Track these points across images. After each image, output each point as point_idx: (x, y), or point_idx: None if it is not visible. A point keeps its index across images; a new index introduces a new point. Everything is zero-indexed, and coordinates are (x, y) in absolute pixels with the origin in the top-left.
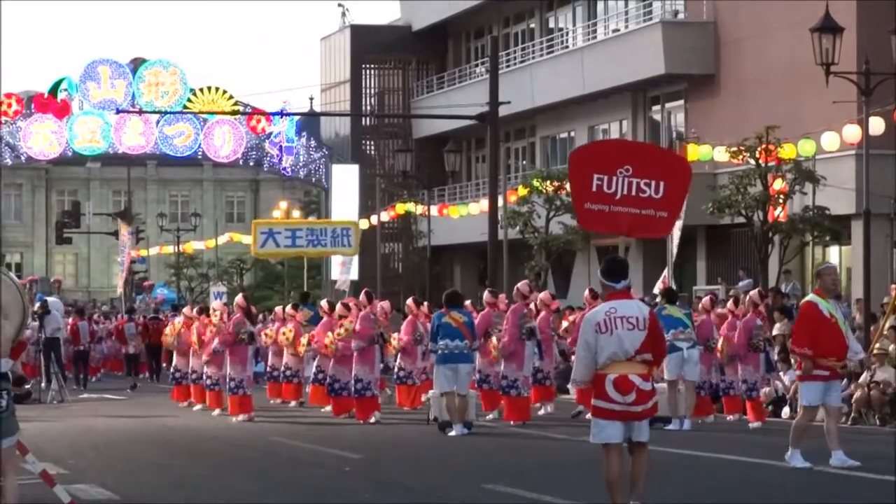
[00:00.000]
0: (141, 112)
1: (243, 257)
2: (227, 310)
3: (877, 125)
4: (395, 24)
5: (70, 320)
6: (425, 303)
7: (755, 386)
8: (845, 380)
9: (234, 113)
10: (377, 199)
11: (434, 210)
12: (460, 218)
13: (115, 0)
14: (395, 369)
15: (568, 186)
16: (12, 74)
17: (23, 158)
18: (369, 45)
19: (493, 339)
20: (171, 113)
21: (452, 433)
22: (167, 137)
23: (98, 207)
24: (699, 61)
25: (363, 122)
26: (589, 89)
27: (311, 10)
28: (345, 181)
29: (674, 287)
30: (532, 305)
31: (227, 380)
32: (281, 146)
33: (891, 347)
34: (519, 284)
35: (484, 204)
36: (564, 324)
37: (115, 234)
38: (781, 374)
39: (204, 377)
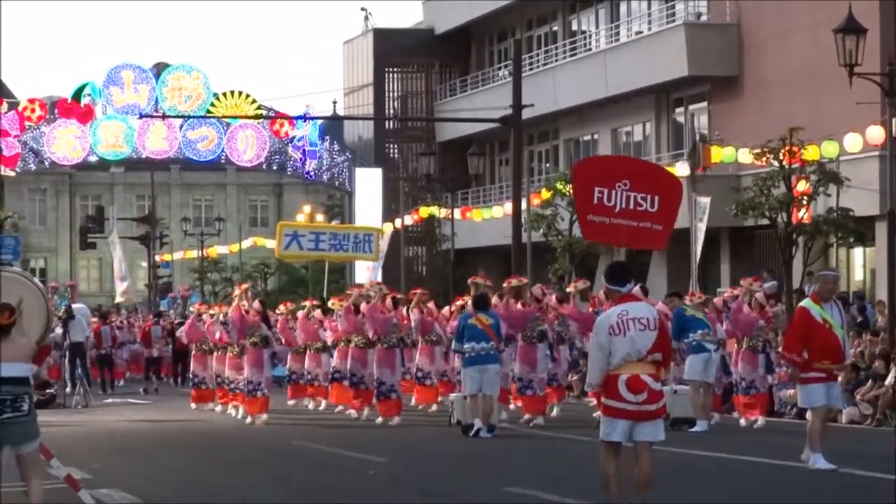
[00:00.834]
0: (164, 117)
1: (267, 261)
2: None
3: None
4: (418, 27)
5: (94, 324)
6: (446, 307)
7: (753, 384)
8: (869, 381)
9: (257, 117)
10: (401, 202)
11: (457, 213)
12: (484, 221)
13: (138, 2)
14: (414, 370)
15: None
16: (36, 80)
17: (46, 163)
18: (392, 48)
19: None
20: (194, 117)
21: (481, 434)
22: (190, 142)
23: (122, 212)
24: (722, 63)
25: (386, 126)
26: (612, 92)
27: (334, 13)
28: (368, 185)
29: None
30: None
31: (246, 382)
32: (304, 150)
33: None
34: (533, 288)
35: (507, 207)
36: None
37: (140, 238)
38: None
39: (226, 381)
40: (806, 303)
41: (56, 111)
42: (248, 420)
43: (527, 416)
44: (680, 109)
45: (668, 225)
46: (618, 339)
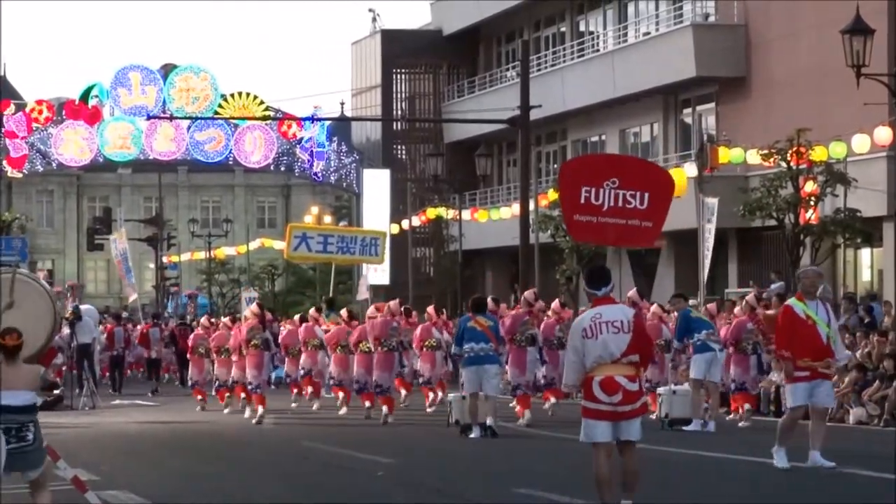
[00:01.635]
0: (172, 118)
1: (275, 262)
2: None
3: None
4: (426, 28)
5: (107, 325)
6: (444, 310)
7: (743, 386)
8: (877, 382)
9: (264, 118)
10: (408, 203)
11: (465, 214)
12: (491, 222)
13: (145, 3)
14: (417, 376)
15: None
16: (43, 81)
17: (54, 165)
18: (400, 49)
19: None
20: (201, 119)
21: (472, 435)
22: (198, 143)
23: (129, 213)
24: (730, 64)
25: (394, 127)
26: (620, 92)
27: (342, 14)
28: (376, 186)
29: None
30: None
31: (247, 382)
32: (312, 151)
33: None
34: (526, 293)
35: (515, 208)
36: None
37: (147, 240)
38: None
39: (230, 382)
40: (791, 301)
41: (63, 112)
42: (247, 414)
43: (522, 420)
44: (688, 110)
45: (657, 221)
46: (590, 342)
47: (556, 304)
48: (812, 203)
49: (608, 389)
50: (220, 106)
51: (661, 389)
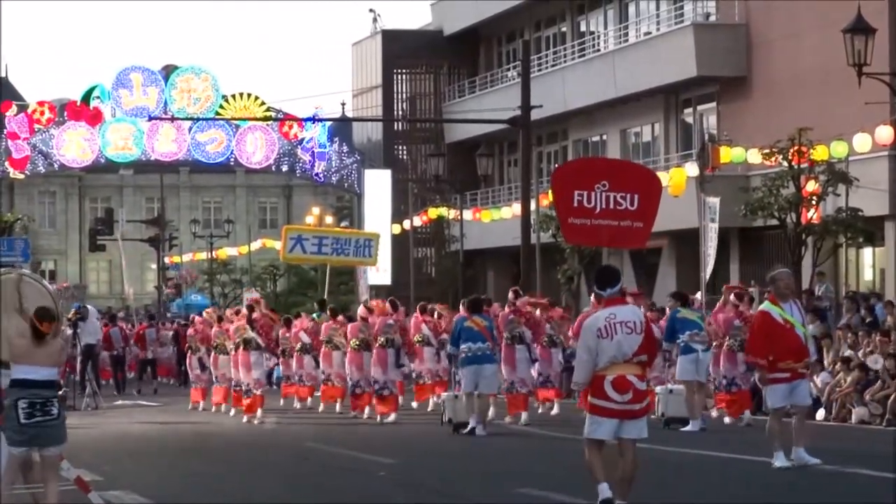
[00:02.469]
0: (173, 119)
1: (276, 263)
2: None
3: None
4: (427, 28)
5: (103, 326)
6: (436, 307)
7: (734, 381)
8: (879, 382)
9: (266, 119)
10: (410, 203)
11: (467, 214)
12: (493, 222)
13: (146, 4)
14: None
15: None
16: (44, 82)
17: (56, 166)
18: (401, 49)
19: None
20: (203, 119)
21: (466, 431)
22: (199, 144)
23: (131, 214)
24: (731, 63)
25: (395, 127)
26: (621, 92)
27: (343, 15)
28: (377, 186)
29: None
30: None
31: (241, 384)
32: (313, 152)
33: None
34: (510, 293)
35: (516, 208)
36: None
37: (149, 240)
38: (815, 376)
39: (232, 382)
40: (765, 305)
41: (65, 114)
42: (244, 419)
43: (508, 418)
44: (689, 110)
45: (648, 222)
46: (605, 342)
47: (524, 299)
48: (814, 202)
49: (620, 388)
50: (221, 107)
51: (658, 388)
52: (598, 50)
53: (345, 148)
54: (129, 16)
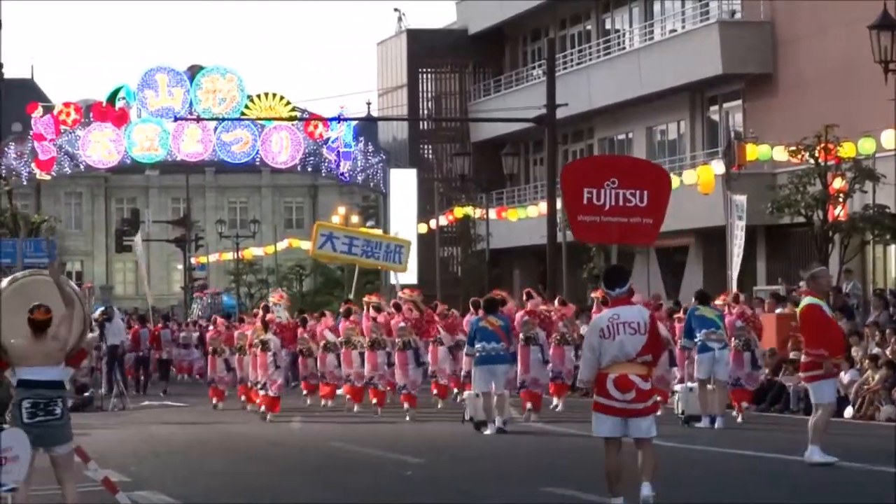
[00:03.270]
0: (199, 119)
1: (303, 263)
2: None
3: None
4: (452, 27)
5: (133, 327)
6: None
7: (739, 381)
8: None
9: (291, 119)
10: (435, 203)
11: (492, 213)
12: (519, 221)
13: (171, 4)
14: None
15: None
16: (70, 83)
17: (82, 167)
18: (426, 49)
19: None
20: (228, 120)
21: (487, 432)
22: (225, 144)
23: (157, 215)
24: (757, 61)
25: (420, 127)
26: (646, 90)
27: (368, 14)
28: (403, 186)
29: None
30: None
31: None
32: (339, 151)
33: None
34: (524, 294)
35: (542, 206)
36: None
37: (175, 241)
38: (843, 373)
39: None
40: (812, 300)
41: (91, 115)
42: (265, 416)
43: (526, 413)
44: (714, 107)
45: (657, 218)
46: (607, 342)
47: (556, 302)
48: (840, 200)
49: (622, 387)
50: (246, 107)
51: (678, 386)
52: (624, 48)
53: (370, 147)
54: (154, 16)
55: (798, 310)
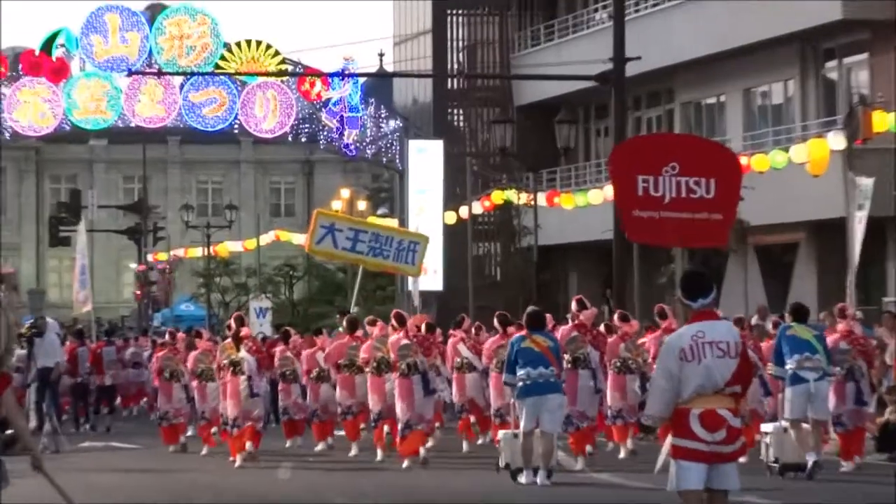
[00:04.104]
0: (160, 74)
1: (293, 262)
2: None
3: None
4: None
5: (68, 345)
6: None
7: (840, 420)
8: None
9: (280, 75)
10: (468, 185)
11: (542, 199)
12: (576, 209)
13: None
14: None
15: None
16: None
17: (6, 134)
18: None
19: None
20: (198, 74)
21: (522, 480)
22: (194, 106)
23: (104, 198)
24: (885, 4)
25: (449, 85)
26: (743, 41)
27: None
28: (425, 161)
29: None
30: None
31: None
32: (342, 117)
33: None
34: (573, 302)
35: (608, 191)
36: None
37: (128, 232)
38: None
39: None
40: None
41: (20, 67)
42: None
43: (579, 465)
44: (832, 63)
45: (728, 213)
46: (690, 367)
47: (615, 317)
48: None
49: (711, 425)
50: (222, 58)
51: (768, 427)
52: None
53: (383, 112)
54: None
55: None
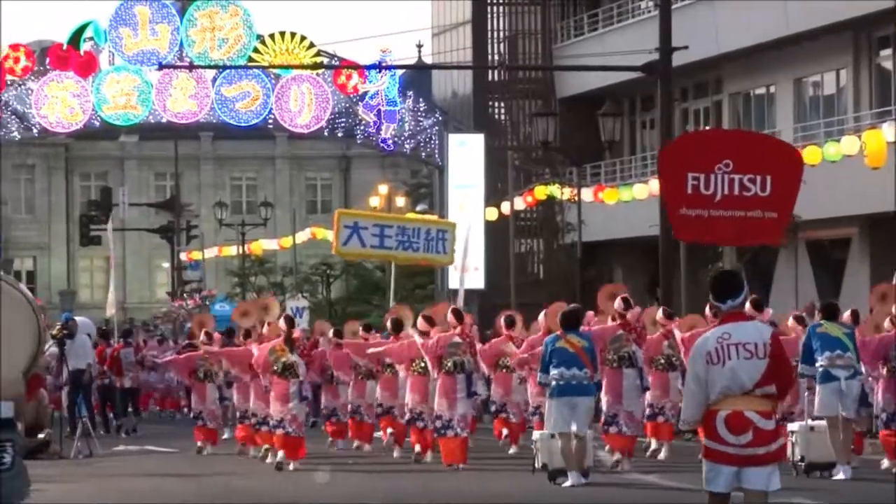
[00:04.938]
0: (191, 67)
1: (330, 260)
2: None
3: None
4: None
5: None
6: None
7: (895, 418)
8: None
9: (315, 67)
10: (509, 180)
11: (586, 194)
12: (621, 204)
13: None
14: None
15: None
16: (21, 20)
17: (35, 131)
18: None
19: None
20: (231, 67)
21: (567, 483)
22: (226, 101)
23: (136, 196)
24: None
25: (489, 77)
26: (794, 29)
27: None
28: (465, 156)
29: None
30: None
31: (273, 419)
32: (379, 110)
33: None
34: (617, 300)
35: (654, 185)
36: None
37: (160, 231)
38: None
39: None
40: None
41: (47, 61)
42: (286, 465)
43: (615, 457)
44: (886, 52)
45: (784, 211)
46: (716, 369)
47: (659, 314)
48: None
49: (735, 428)
50: (255, 51)
51: (794, 426)
52: None
53: (422, 105)
54: None
55: None
